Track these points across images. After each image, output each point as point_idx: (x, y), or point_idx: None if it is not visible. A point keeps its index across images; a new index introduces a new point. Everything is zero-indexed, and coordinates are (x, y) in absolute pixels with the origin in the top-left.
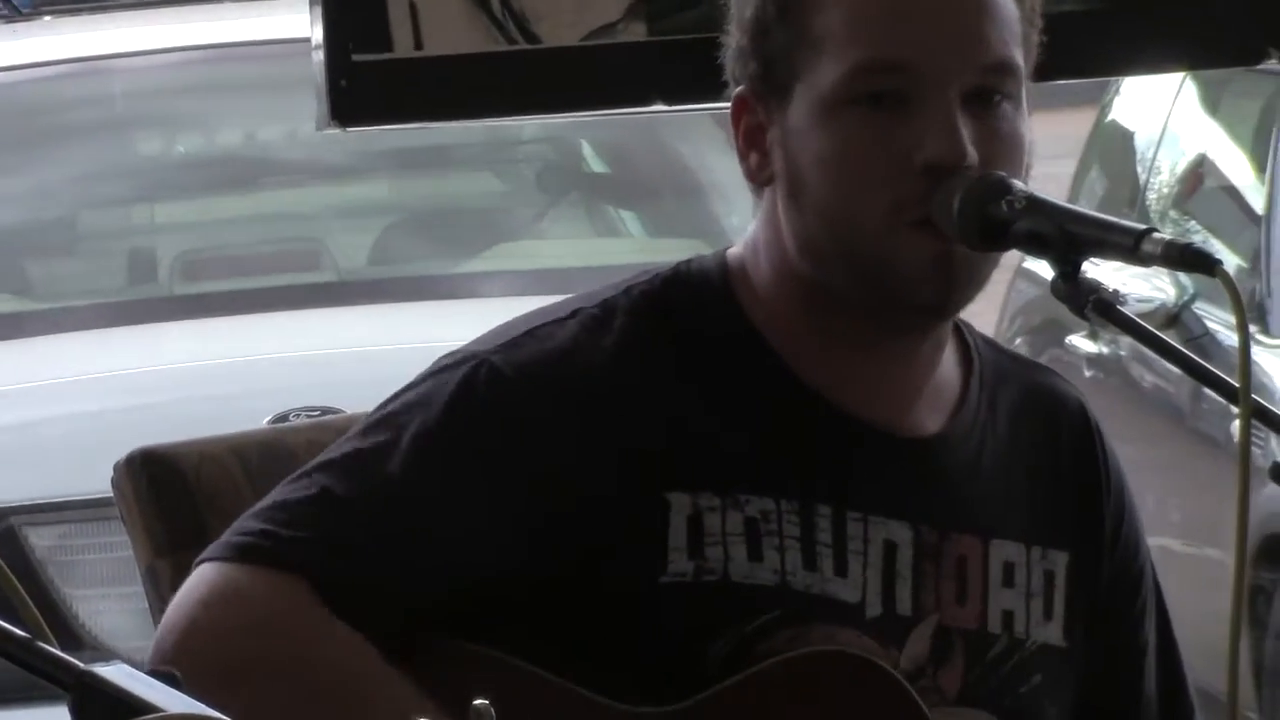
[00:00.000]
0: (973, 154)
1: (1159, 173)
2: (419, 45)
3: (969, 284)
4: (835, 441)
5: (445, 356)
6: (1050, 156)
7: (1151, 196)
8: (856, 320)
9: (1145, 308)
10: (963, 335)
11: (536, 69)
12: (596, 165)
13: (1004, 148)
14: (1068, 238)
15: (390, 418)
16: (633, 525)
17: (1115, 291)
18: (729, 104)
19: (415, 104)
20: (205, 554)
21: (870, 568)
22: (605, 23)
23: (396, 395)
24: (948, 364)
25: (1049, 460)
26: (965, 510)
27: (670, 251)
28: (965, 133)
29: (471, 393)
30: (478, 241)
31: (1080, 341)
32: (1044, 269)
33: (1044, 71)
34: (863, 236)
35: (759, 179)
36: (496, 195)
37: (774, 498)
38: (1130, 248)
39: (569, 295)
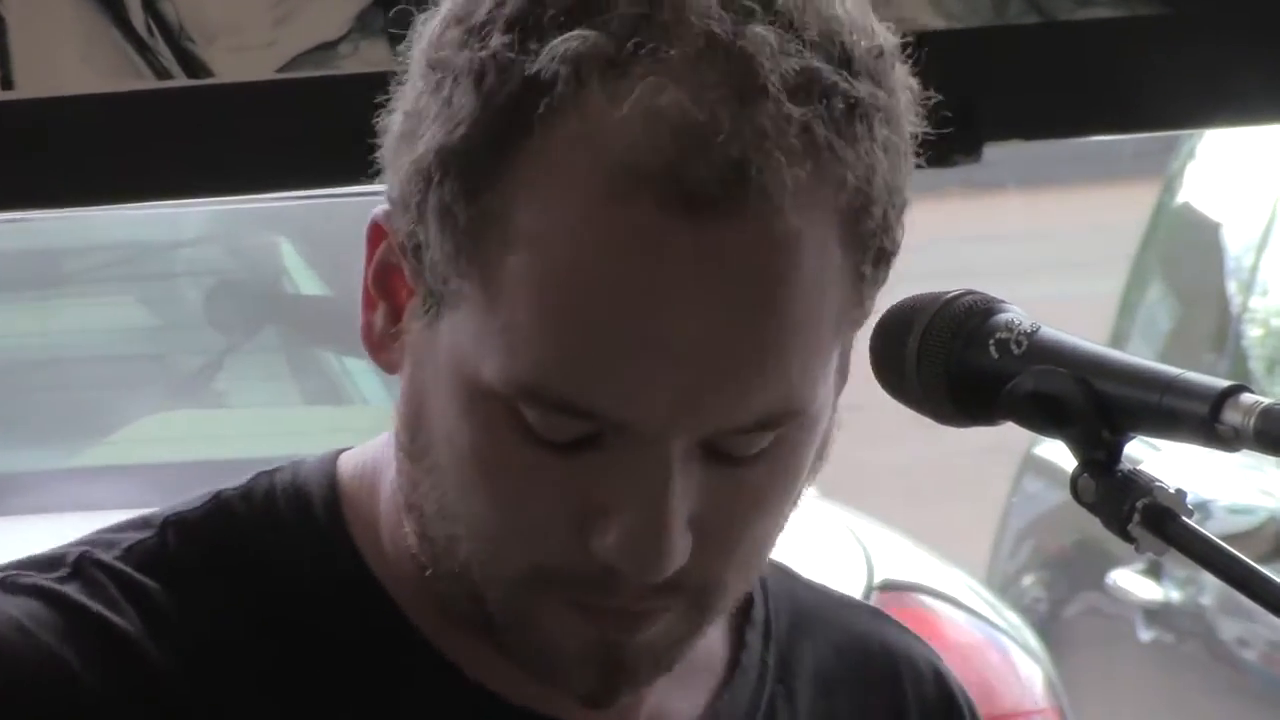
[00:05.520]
0: (679, 560)
1: (1264, 292)
2: (8, 83)
3: (655, 670)
4: None
5: None
6: (1079, 264)
7: (1253, 333)
8: None
9: (1243, 522)
10: None
11: (204, 121)
12: (306, 284)
13: (750, 510)
14: (1098, 403)
15: None
16: None
17: (1179, 493)
18: None
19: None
20: None
21: None
22: (321, 42)
23: None
24: None
25: None
26: None
27: None
28: (684, 508)
29: None
30: (106, 414)
31: (1132, 580)
32: (1066, 457)
33: (1065, 124)
34: (493, 585)
35: (385, 353)
36: (139, 335)
37: None
38: (1204, 419)
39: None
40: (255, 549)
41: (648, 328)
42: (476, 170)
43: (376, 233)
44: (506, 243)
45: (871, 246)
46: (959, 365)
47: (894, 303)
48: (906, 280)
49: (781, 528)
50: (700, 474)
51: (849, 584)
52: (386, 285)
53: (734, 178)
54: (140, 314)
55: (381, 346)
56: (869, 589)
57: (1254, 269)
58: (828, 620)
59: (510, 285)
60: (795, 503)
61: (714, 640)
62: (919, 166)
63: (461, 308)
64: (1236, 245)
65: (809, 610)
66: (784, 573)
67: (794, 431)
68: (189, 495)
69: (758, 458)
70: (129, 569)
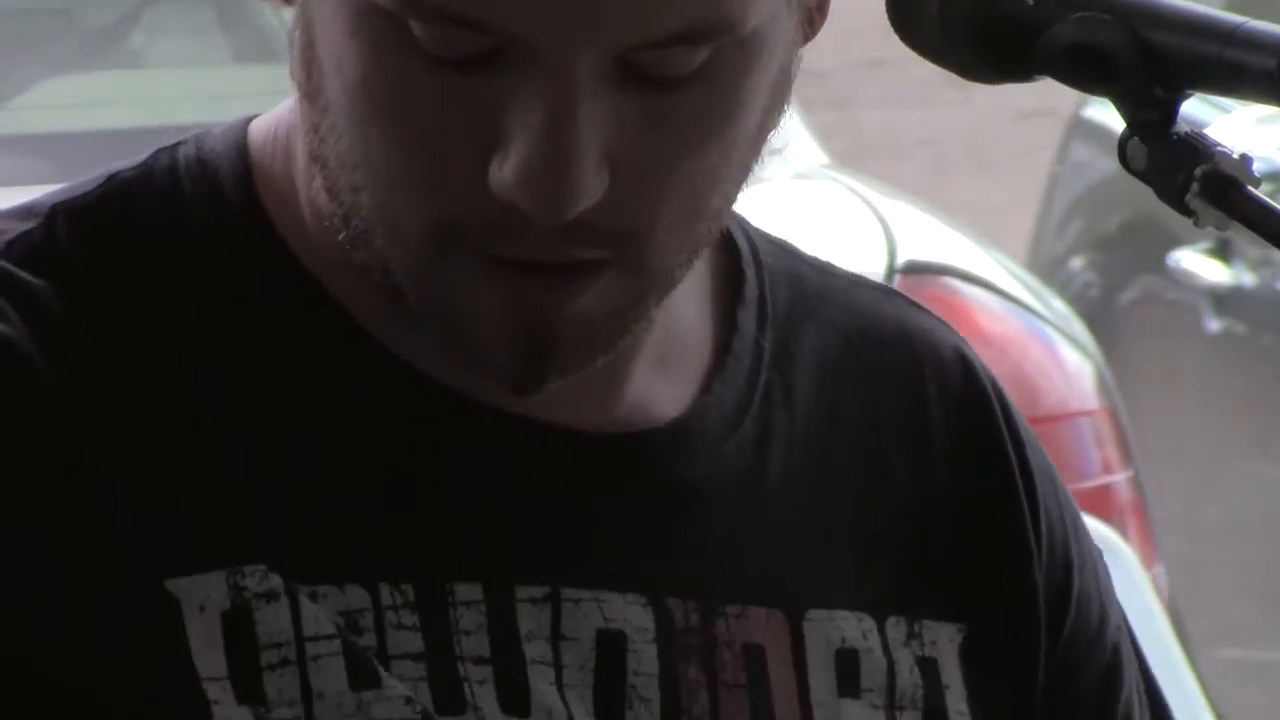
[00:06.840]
0: (584, 196)
1: None
2: None
3: (590, 349)
4: (474, 461)
5: None
6: None
7: None
8: None
9: None
10: (725, 232)
11: None
12: None
13: (682, 145)
14: (1150, 55)
15: None
16: (117, 641)
17: (1244, 159)
18: None
19: None
20: None
21: (573, 689)
22: None
23: None
24: (689, 293)
25: (907, 454)
26: (748, 561)
27: None
28: (594, 137)
29: None
30: (2, 77)
31: (1197, 261)
32: (1115, 119)
33: None
34: (400, 245)
35: None
36: None
37: (371, 581)
38: (1271, 73)
39: None
40: (158, 238)
41: None
42: None
43: None
44: None
45: None
46: (987, 11)
47: None
48: None
49: (730, 176)
50: (617, 99)
51: (867, 266)
52: None
53: None
54: None
55: None
56: (890, 271)
57: None
58: (835, 301)
59: None
60: (746, 147)
61: (701, 323)
62: None
63: None
64: None
65: (813, 290)
66: (784, 249)
67: (729, 54)
68: (91, 173)
69: (687, 83)
70: (10, 265)
